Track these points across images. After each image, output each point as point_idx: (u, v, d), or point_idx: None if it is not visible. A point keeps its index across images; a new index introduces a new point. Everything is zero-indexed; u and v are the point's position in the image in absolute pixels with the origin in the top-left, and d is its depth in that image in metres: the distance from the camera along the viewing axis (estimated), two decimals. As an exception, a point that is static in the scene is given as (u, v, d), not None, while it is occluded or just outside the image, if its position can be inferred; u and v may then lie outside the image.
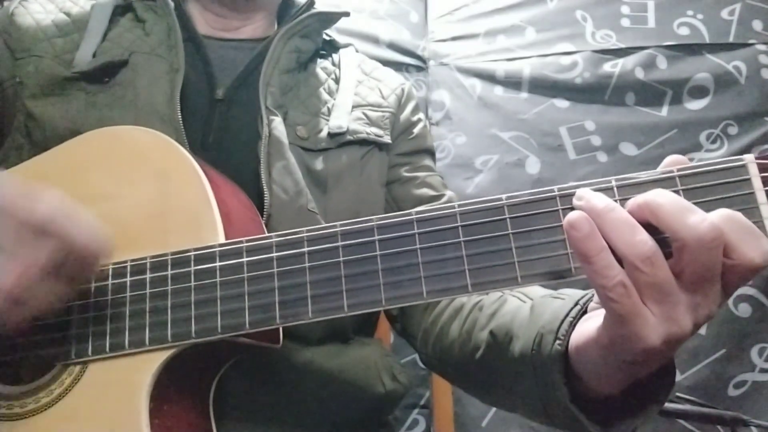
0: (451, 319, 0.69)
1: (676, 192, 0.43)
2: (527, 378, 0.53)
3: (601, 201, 0.42)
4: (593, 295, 0.50)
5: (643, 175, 0.44)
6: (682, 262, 0.40)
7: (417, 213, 0.48)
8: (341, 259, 0.49)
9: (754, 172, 0.43)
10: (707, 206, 0.42)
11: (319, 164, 0.74)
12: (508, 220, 0.46)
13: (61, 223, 0.47)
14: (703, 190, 0.43)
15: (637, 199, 0.42)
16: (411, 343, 0.78)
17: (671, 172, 0.44)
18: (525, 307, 0.58)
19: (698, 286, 0.40)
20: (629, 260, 0.40)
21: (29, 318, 0.49)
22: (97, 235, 0.49)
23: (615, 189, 0.44)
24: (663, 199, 0.41)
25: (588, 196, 0.43)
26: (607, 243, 0.41)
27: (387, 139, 0.81)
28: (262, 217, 0.66)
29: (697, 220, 0.39)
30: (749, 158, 0.43)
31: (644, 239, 0.40)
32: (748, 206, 0.42)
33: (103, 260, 0.51)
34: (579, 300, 0.51)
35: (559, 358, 0.48)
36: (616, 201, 0.44)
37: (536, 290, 0.62)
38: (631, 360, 0.43)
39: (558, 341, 0.49)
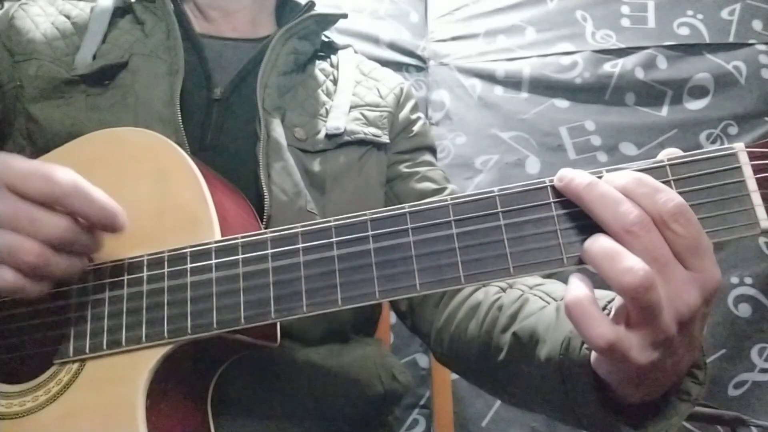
0: (468, 318, 0.68)
1: (667, 182, 0.43)
2: (554, 382, 0.52)
3: (582, 179, 0.43)
4: (615, 297, 0.50)
5: (634, 166, 0.45)
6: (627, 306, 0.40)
7: (410, 206, 0.48)
8: (335, 253, 0.49)
9: (744, 160, 0.43)
10: (698, 195, 0.43)
11: (317, 166, 0.74)
12: (500, 211, 0.46)
13: (78, 197, 0.48)
14: (693, 179, 0.43)
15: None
16: (424, 341, 0.78)
17: (662, 161, 0.44)
18: (549, 309, 0.58)
19: (648, 322, 0.40)
20: (618, 292, 0.40)
21: (47, 290, 0.50)
22: (111, 209, 0.50)
23: None
24: (593, 248, 0.42)
25: (569, 177, 0.44)
26: (596, 219, 0.42)
27: (385, 138, 0.82)
28: (263, 218, 0.66)
29: (619, 268, 0.39)
30: (739, 147, 0.43)
31: (629, 208, 0.41)
32: (739, 194, 0.43)
33: (119, 231, 0.51)
34: (607, 305, 0.49)
35: (588, 364, 0.48)
36: None
37: (558, 289, 0.62)
38: (632, 376, 0.43)
39: (585, 346, 0.49)
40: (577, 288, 0.41)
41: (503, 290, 0.67)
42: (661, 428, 0.46)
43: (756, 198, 0.42)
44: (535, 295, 0.63)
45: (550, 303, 0.60)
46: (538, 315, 0.58)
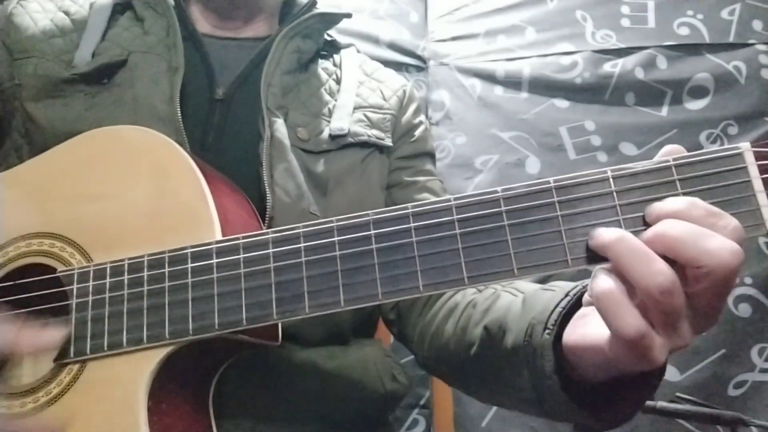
0: (446, 318, 0.69)
1: (672, 182, 0.43)
2: (521, 370, 0.53)
3: (611, 233, 0.43)
4: (584, 286, 0.50)
5: (639, 165, 0.44)
6: (701, 286, 0.40)
7: (413, 207, 0.48)
8: (337, 253, 0.49)
9: (750, 160, 0.43)
10: (703, 195, 0.43)
11: (319, 166, 0.74)
12: (503, 212, 0.46)
13: None
14: (699, 179, 0.43)
15: (647, 234, 0.42)
16: (408, 347, 0.78)
17: (667, 161, 0.44)
18: (517, 301, 0.59)
19: (710, 305, 0.41)
20: (646, 292, 0.40)
21: None
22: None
23: (611, 180, 0.45)
24: (676, 230, 0.41)
25: (597, 233, 0.43)
26: (621, 274, 0.41)
27: (388, 141, 0.81)
28: (265, 219, 0.66)
29: (717, 246, 0.39)
30: (746, 146, 0.43)
31: (661, 269, 0.40)
32: (745, 194, 0.43)
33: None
34: (569, 291, 0.51)
35: (548, 348, 0.49)
36: (612, 192, 0.44)
37: (528, 285, 0.63)
38: (630, 371, 0.44)
39: (547, 331, 0.50)
40: (606, 279, 0.42)
41: (479, 290, 0.69)
42: (619, 412, 0.48)
43: (762, 198, 0.42)
44: (506, 291, 0.64)
45: (518, 296, 0.60)
46: (507, 307, 0.59)
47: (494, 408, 1.48)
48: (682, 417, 1.19)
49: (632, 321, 0.40)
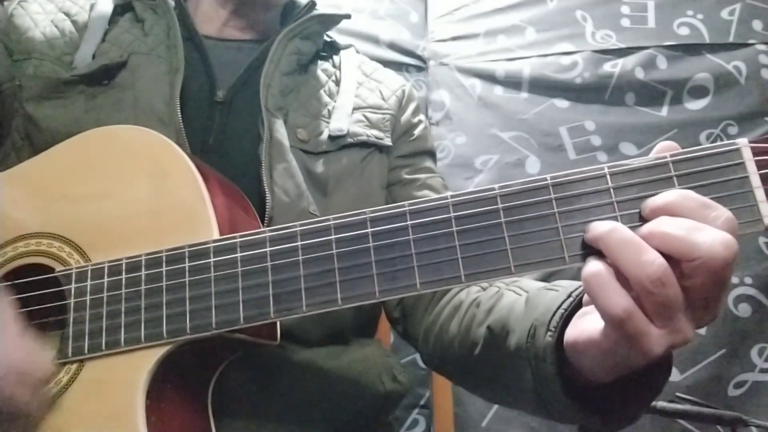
0: (450, 317, 0.69)
1: (670, 179, 0.43)
2: (524, 371, 0.53)
3: (603, 225, 0.43)
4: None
5: (636, 162, 0.44)
6: (697, 279, 0.40)
7: (410, 204, 0.48)
8: (334, 251, 0.49)
9: (747, 156, 0.43)
10: (701, 191, 0.42)
11: (319, 167, 0.74)
12: (500, 209, 0.46)
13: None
14: (697, 175, 0.43)
15: (642, 230, 0.42)
16: (413, 345, 0.78)
17: (664, 157, 0.44)
18: (521, 300, 0.58)
19: (708, 298, 0.41)
20: (638, 282, 0.40)
21: None
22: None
23: (608, 176, 0.45)
24: (667, 225, 0.41)
25: (591, 226, 0.44)
26: (615, 265, 0.41)
27: (387, 141, 0.81)
28: (264, 219, 0.66)
29: (708, 238, 0.39)
30: (743, 142, 0.43)
31: (651, 259, 0.40)
32: (743, 190, 0.42)
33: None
34: (572, 292, 0.51)
35: (550, 350, 0.49)
36: (609, 189, 0.44)
37: (531, 284, 0.62)
38: (631, 365, 0.43)
39: (549, 333, 0.49)
40: (594, 263, 0.42)
41: (483, 289, 0.68)
42: (624, 413, 0.48)
43: (760, 194, 0.42)
44: (510, 290, 0.64)
45: (522, 295, 0.60)
46: (510, 307, 0.59)
47: (494, 408, 1.48)
48: (682, 417, 1.19)
49: (618, 300, 0.40)
